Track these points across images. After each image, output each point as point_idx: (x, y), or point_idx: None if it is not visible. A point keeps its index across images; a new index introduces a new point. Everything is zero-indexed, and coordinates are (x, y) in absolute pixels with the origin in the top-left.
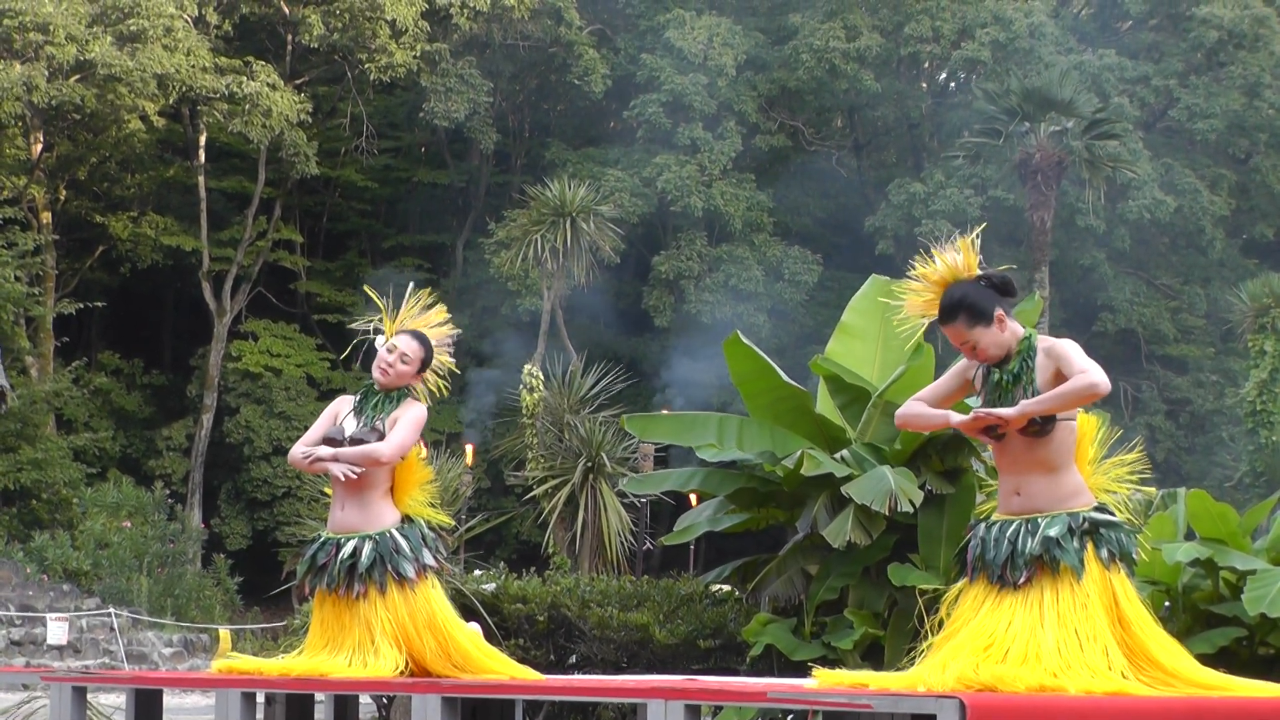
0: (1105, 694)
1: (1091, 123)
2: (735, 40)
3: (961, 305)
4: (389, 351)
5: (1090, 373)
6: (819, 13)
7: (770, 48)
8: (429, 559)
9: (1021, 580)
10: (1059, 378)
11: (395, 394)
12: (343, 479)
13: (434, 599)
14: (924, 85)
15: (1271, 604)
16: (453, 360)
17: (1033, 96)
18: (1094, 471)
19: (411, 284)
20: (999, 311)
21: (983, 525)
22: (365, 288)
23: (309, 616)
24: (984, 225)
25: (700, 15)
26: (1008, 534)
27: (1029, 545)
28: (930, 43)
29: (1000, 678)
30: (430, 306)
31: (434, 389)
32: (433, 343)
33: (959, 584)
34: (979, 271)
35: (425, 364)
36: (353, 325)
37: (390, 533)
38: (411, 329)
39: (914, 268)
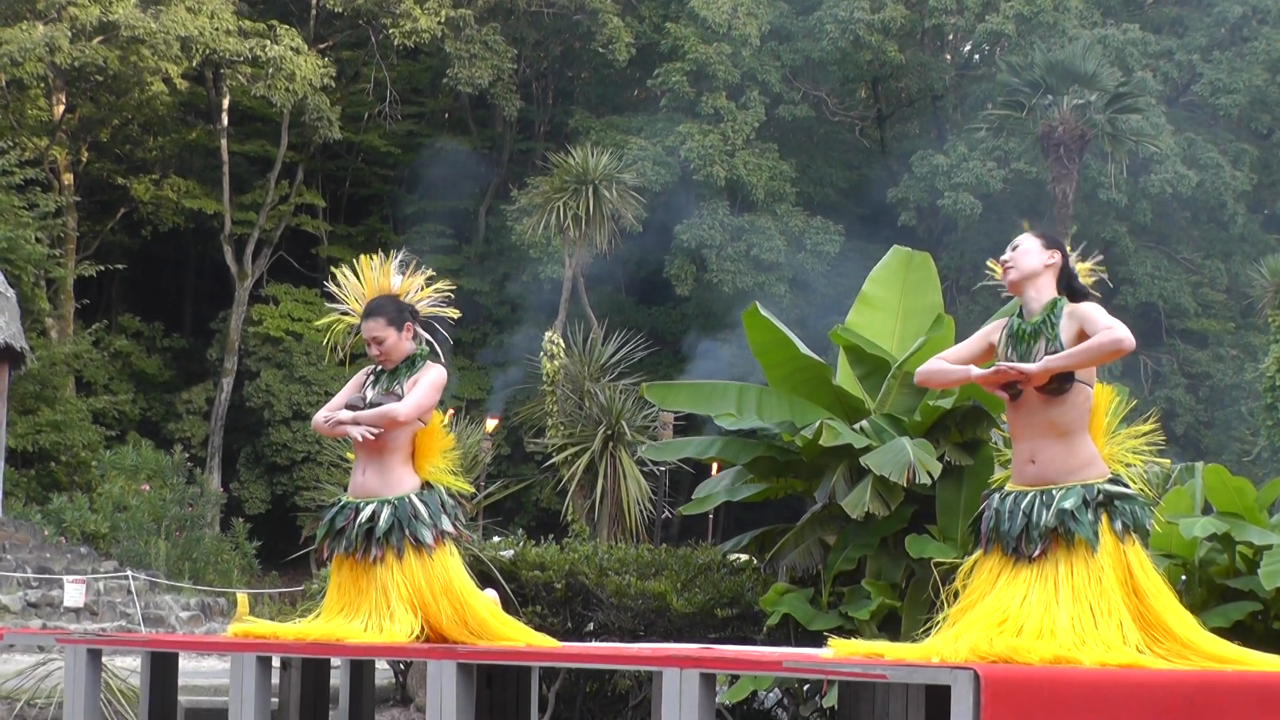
0: (1119, 666)
1: (1114, 96)
2: (759, 10)
3: (1049, 232)
4: (369, 346)
5: (1115, 329)
6: None
7: (794, 18)
8: (447, 525)
9: (1036, 553)
10: (1083, 338)
11: (412, 360)
12: (361, 440)
13: (451, 565)
14: (948, 57)
15: None
16: (403, 270)
17: (1056, 70)
18: (1108, 442)
19: (367, 256)
20: (1056, 253)
21: (997, 496)
22: (334, 270)
23: (327, 581)
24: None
25: None
26: (1022, 506)
27: (1044, 517)
28: (954, 15)
29: (1015, 649)
30: (380, 266)
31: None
32: (387, 297)
33: (974, 555)
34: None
35: (402, 319)
36: (320, 323)
37: (409, 498)
38: (369, 303)
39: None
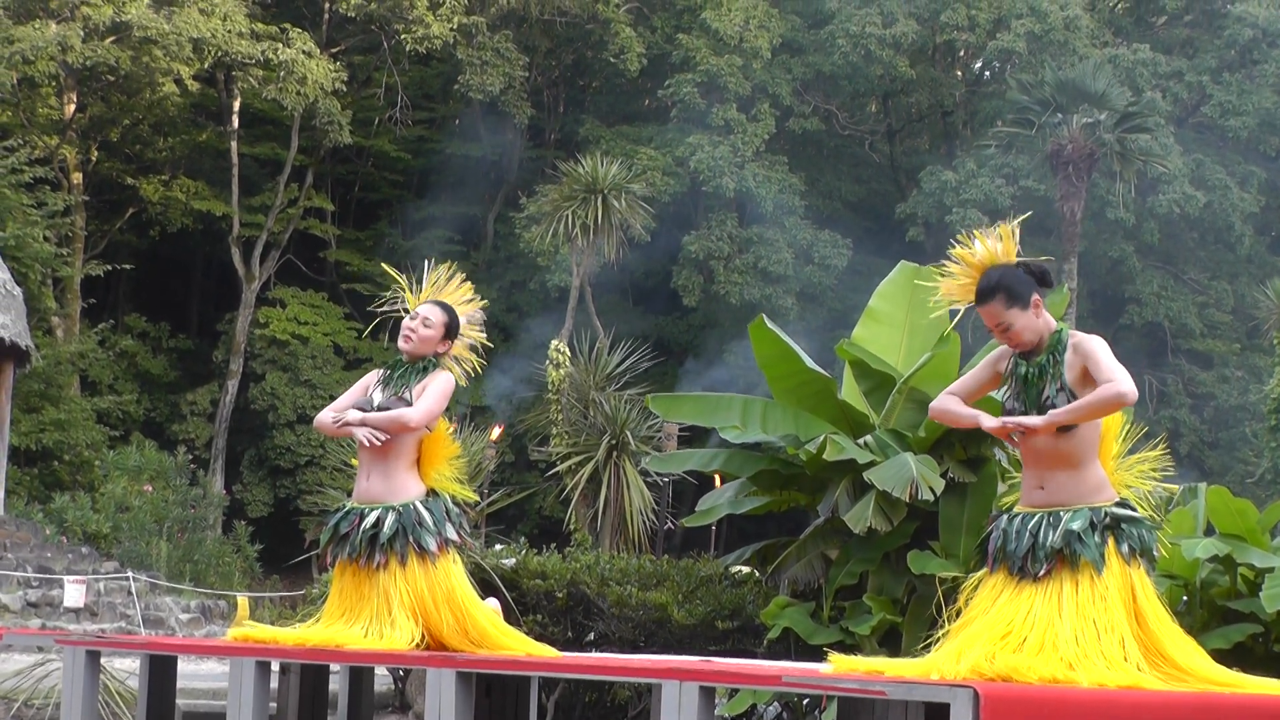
0: (1119, 687)
1: (1124, 116)
2: (771, 23)
3: (1000, 286)
4: (412, 318)
5: (1118, 382)
6: None
7: (806, 31)
8: (451, 533)
9: (1041, 572)
10: (1086, 377)
11: (423, 364)
12: (368, 444)
13: (454, 574)
14: (959, 74)
15: None
16: (483, 334)
17: (1066, 88)
18: (1117, 467)
19: (433, 259)
20: (1036, 297)
21: (1005, 517)
22: (384, 265)
23: (328, 586)
24: (1026, 215)
25: None
26: (1029, 526)
27: (1050, 538)
28: (966, 31)
29: (1015, 668)
30: (453, 279)
31: (466, 365)
32: (458, 311)
33: (979, 573)
34: (1017, 259)
35: (450, 331)
36: (377, 307)
37: (414, 505)
38: (435, 300)
39: (951, 251)
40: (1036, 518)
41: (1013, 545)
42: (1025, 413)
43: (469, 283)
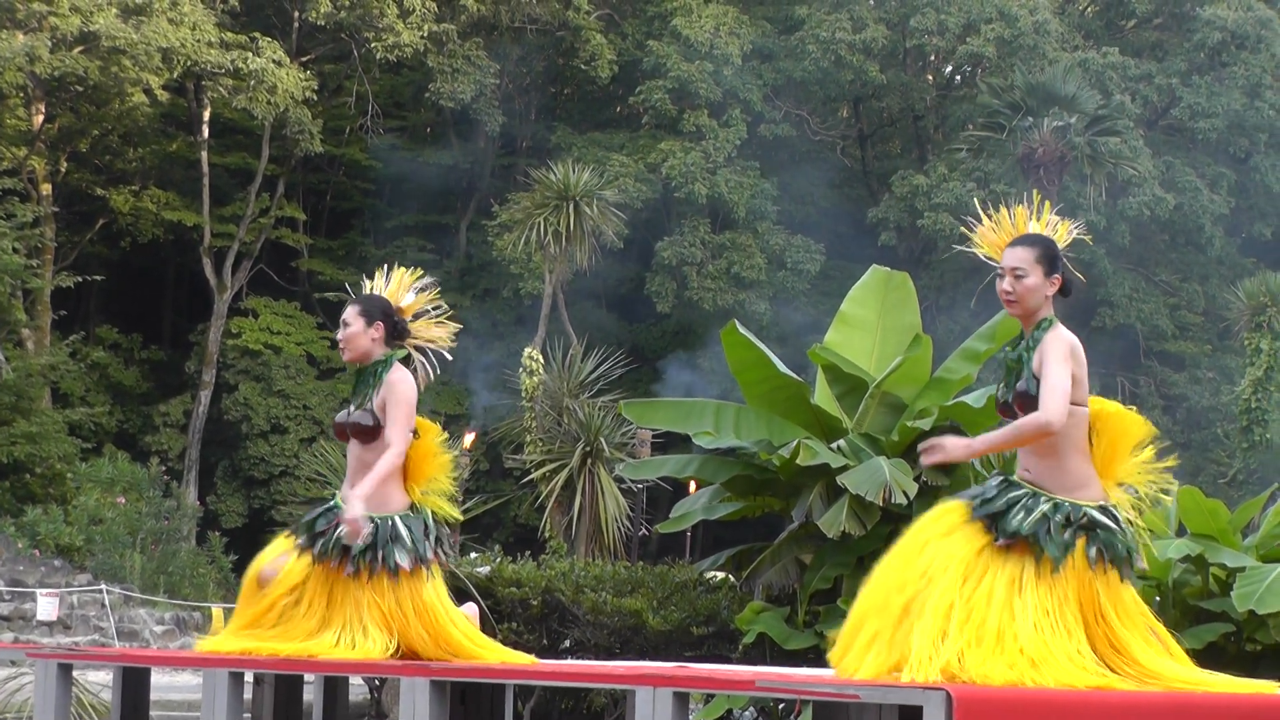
0: (1089, 687)
1: (1094, 119)
2: (742, 29)
3: (1043, 243)
4: (337, 332)
5: (1045, 410)
6: (825, 4)
7: (776, 37)
8: (428, 552)
9: (1000, 542)
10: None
11: (374, 366)
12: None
13: (426, 591)
14: (929, 78)
15: (1259, 600)
16: (421, 293)
17: (1036, 92)
18: (1119, 467)
19: (406, 267)
20: (1058, 279)
21: (1002, 478)
22: (364, 281)
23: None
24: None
25: (707, 3)
26: (1010, 495)
27: (1022, 520)
28: (936, 36)
29: (985, 674)
30: (392, 273)
31: (441, 342)
32: (378, 295)
33: (952, 501)
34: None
35: (371, 314)
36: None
37: (393, 519)
38: (352, 301)
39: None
40: (1022, 490)
41: (991, 504)
42: (1007, 401)
43: (438, 288)
